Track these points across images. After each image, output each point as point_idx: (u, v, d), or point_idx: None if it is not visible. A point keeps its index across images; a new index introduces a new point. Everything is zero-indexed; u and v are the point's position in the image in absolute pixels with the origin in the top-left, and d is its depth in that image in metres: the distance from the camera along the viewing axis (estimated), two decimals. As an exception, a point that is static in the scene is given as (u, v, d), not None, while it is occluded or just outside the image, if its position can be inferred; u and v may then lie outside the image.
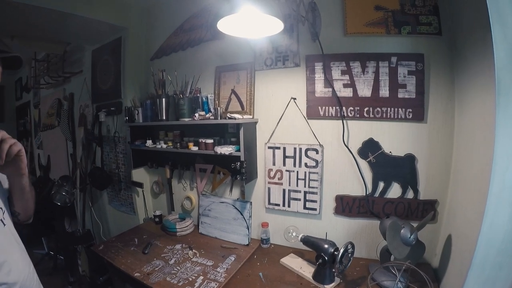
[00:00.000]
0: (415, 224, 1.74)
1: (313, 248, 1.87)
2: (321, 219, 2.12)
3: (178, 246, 2.18)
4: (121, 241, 2.30)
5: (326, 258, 1.76)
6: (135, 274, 1.86)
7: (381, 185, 1.97)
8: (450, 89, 1.77)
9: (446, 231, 1.86)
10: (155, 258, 2.06)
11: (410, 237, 1.68)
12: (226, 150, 2.02)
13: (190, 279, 1.82)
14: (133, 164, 2.63)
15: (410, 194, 1.94)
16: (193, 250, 2.12)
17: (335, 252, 1.74)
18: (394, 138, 1.91)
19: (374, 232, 1.95)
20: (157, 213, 2.63)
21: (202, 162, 2.37)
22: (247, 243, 2.22)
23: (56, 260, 3.48)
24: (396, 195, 1.96)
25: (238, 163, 2.02)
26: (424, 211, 1.95)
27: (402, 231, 1.70)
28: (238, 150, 2.02)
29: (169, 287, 1.75)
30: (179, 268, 1.92)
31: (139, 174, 2.75)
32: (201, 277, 1.84)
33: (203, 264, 1.98)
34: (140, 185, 2.68)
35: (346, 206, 2.03)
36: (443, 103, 1.80)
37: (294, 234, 1.99)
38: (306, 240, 1.92)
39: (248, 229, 2.21)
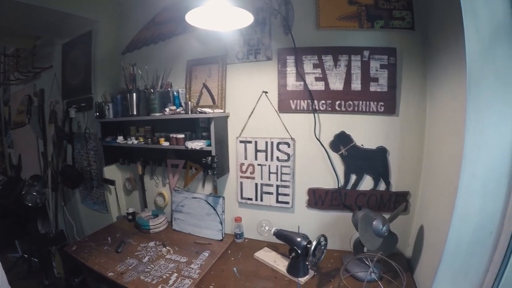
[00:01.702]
0: (387, 216, 1.76)
1: (286, 242, 1.86)
2: (294, 213, 2.12)
3: (151, 244, 2.14)
4: (94, 241, 2.25)
5: (299, 251, 1.76)
6: (109, 274, 1.82)
7: (353, 177, 1.97)
8: (422, 82, 1.79)
9: (418, 222, 1.89)
10: (128, 256, 2.01)
11: (382, 229, 1.69)
12: (196, 145, 1.99)
13: (164, 276, 1.79)
14: (105, 161, 2.57)
15: (382, 186, 1.96)
16: (167, 247, 2.08)
17: (308, 245, 1.74)
18: (366, 131, 1.92)
19: (347, 224, 1.96)
20: (130, 210, 2.58)
21: (174, 158, 2.33)
22: (221, 238, 2.20)
23: (30, 263, 3.36)
24: (368, 187, 1.98)
25: (209, 158, 1.99)
26: (396, 202, 1.97)
27: (374, 223, 1.71)
28: (209, 145, 1.99)
29: (143, 286, 1.71)
30: (153, 266, 1.89)
31: (111, 171, 2.68)
32: (175, 274, 1.81)
33: (177, 261, 1.96)
34: (112, 182, 2.62)
35: (318, 199, 2.03)
36: (415, 96, 1.82)
37: (267, 228, 1.98)
38: (279, 234, 1.91)
39: (222, 224, 2.19)
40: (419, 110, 1.81)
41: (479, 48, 1.19)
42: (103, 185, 2.72)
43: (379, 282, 1.73)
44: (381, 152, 1.92)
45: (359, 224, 1.72)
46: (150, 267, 1.88)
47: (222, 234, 2.21)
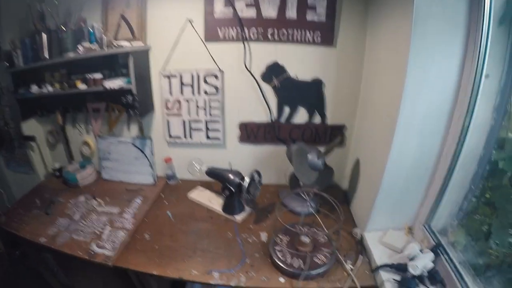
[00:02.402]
0: (323, 149, 1.72)
1: (219, 180, 1.77)
2: (226, 149, 2.03)
3: (81, 198, 1.97)
4: (23, 207, 2.03)
5: (233, 189, 1.68)
6: (41, 240, 1.64)
7: (287, 110, 1.90)
8: (363, 14, 1.69)
9: (354, 155, 1.89)
10: (59, 217, 1.83)
11: (317, 162, 1.65)
12: (115, 83, 1.80)
13: (97, 232, 1.67)
14: (22, 116, 2.29)
15: (317, 119, 1.91)
16: (98, 200, 1.93)
17: (241, 182, 1.66)
18: (301, 62, 1.82)
19: (282, 158, 1.90)
20: (57, 166, 2.35)
21: (94, 101, 2.11)
22: (153, 182, 2.08)
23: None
24: (303, 120, 1.92)
25: (130, 97, 1.81)
26: (332, 136, 1.94)
27: (309, 156, 1.66)
28: (129, 82, 1.81)
29: (78, 246, 1.58)
30: (85, 223, 1.74)
31: (31, 127, 2.40)
32: (109, 228, 1.70)
33: (109, 213, 1.82)
34: (32, 138, 2.36)
35: (251, 133, 1.94)
36: (354, 28, 1.72)
37: (198, 167, 1.87)
38: (210, 172, 1.81)
39: (152, 167, 2.05)
40: (358, 42, 1.73)
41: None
42: (24, 143, 2.45)
43: (316, 216, 1.71)
44: (317, 84, 1.84)
45: (294, 158, 1.65)
46: (82, 224, 1.73)
47: (154, 177, 2.08)
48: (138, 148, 2.04)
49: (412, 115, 1.25)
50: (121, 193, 2.01)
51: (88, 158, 2.29)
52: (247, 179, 1.60)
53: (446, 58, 1.19)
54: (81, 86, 1.91)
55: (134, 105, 1.82)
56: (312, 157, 1.66)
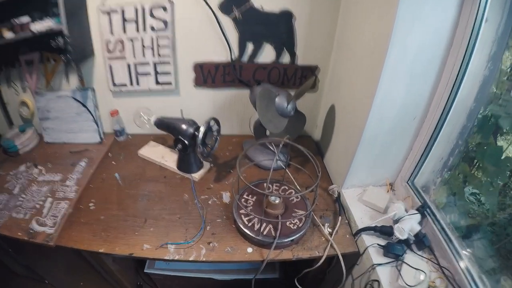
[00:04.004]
0: (292, 93, 1.45)
1: (170, 132, 1.49)
2: (179, 95, 1.72)
3: (22, 168, 1.66)
4: None
5: (186, 141, 1.40)
6: None
7: (250, 47, 1.58)
8: None
9: (328, 101, 1.65)
10: None
11: (287, 107, 1.40)
12: (43, 25, 1.44)
13: (38, 206, 1.40)
14: None
15: (286, 59, 1.62)
16: (39, 167, 1.63)
17: (196, 133, 1.37)
18: (267, -11, 1.47)
19: (246, 104, 1.64)
20: (-6, 134, 2.02)
21: (27, 52, 1.76)
22: (99, 140, 1.79)
23: None
24: (270, 59, 1.62)
25: (61, 39, 1.47)
26: (302, 78, 1.68)
27: (277, 100, 1.40)
28: (60, 22, 1.45)
29: (17, 226, 1.31)
30: (25, 196, 1.46)
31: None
32: (50, 199, 1.43)
33: (50, 181, 1.54)
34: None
35: (208, 75, 1.63)
36: None
37: (146, 118, 1.57)
38: (159, 123, 1.52)
39: (97, 123, 1.75)
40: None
41: None
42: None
43: (286, 170, 1.46)
44: (286, 17, 1.51)
45: (258, 102, 1.37)
46: (21, 199, 1.44)
47: (100, 134, 1.79)
48: (79, 102, 1.72)
49: (402, 55, 1.04)
50: (64, 157, 1.71)
51: (28, 120, 1.96)
52: (202, 129, 1.31)
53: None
54: (8, 34, 1.54)
55: (67, 49, 1.48)
56: (280, 100, 1.39)
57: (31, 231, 1.28)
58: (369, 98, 1.13)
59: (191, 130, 1.40)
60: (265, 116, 1.38)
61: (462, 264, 1.01)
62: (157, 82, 1.65)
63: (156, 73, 1.62)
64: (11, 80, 1.84)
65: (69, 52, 1.48)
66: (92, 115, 1.74)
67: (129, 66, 1.62)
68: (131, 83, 1.66)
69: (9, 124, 2.00)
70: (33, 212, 1.37)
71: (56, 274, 1.92)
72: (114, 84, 1.68)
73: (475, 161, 1.20)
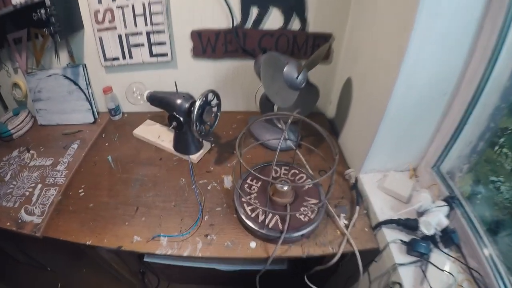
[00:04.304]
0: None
1: (163, 108, 1.33)
2: (177, 68, 1.53)
3: (15, 153, 1.55)
4: None
5: (181, 118, 1.22)
6: None
7: (255, 11, 1.37)
8: None
9: (343, 74, 1.44)
10: None
11: (297, 78, 1.19)
12: (23, -5, 1.30)
13: (27, 193, 1.28)
14: None
15: (296, 25, 1.40)
16: (31, 151, 1.51)
17: (192, 108, 1.19)
18: None
19: (251, 76, 1.44)
20: (-12, 119, 1.91)
21: (13, 30, 1.61)
22: (93, 120, 1.64)
23: None
24: (277, 25, 1.40)
25: (43, 11, 1.31)
26: (315, 47, 1.45)
27: (285, 69, 1.20)
28: (44, -9, 1.29)
29: (6, 215, 1.20)
30: (15, 183, 1.34)
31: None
32: (39, 186, 1.31)
33: (41, 166, 1.42)
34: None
35: (207, 44, 1.43)
36: None
37: (139, 93, 1.40)
38: (152, 99, 1.35)
39: (90, 101, 1.60)
40: None
41: None
42: None
43: (297, 152, 1.28)
44: (296, -25, 1.29)
45: (263, 72, 1.19)
46: (12, 186, 1.33)
47: (94, 114, 1.64)
48: (70, 80, 1.57)
49: (433, 18, 0.82)
50: (57, 139, 1.58)
51: (22, 102, 1.84)
52: (198, 103, 1.14)
53: None
54: (-10, 12, 1.40)
55: (50, 21, 1.32)
56: (289, 70, 1.19)
57: (19, 220, 1.18)
58: (394, 68, 0.92)
59: (186, 105, 1.22)
60: (271, 88, 1.19)
61: (493, 265, 0.85)
62: (152, 54, 1.47)
63: (150, 44, 1.44)
64: (2, 62, 1.72)
65: (52, 24, 1.33)
66: (84, 93, 1.59)
67: (120, 37, 1.44)
68: (124, 57, 1.49)
69: (4, 108, 1.89)
70: (22, 200, 1.26)
71: (58, 262, 1.86)
72: (106, 59, 1.51)
73: (497, 147, 1.01)
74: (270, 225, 1.01)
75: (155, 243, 1.04)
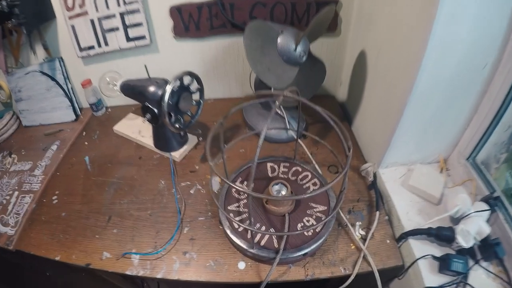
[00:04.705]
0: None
1: (136, 98, 1.12)
2: (158, 51, 1.32)
3: None
4: None
5: (155, 109, 1.01)
6: None
7: (243, -25, 1.14)
8: None
9: (355, 47, 1.19)
10: None
11: (295, 49, 0.95)
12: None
13: (4, 201, 1.17)
14: None
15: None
16: (12, 155, 1.37)
17: (162, 95, 0.98)
18: None
19: (245, 54, 1.19)
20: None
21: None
22: (75, 117, 1.47)
23: None
24: (271, -8, 1.15)
25: (4, 2, 1.15)
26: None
27: (279, 39, 0.97)
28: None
29: None
30: None
31: None
32: (16, 193, 1.18)
33: (20, 172, 1.28)
34: None
35: (189, 21, 1.20)
36: None
37: (114, 83, 1.20)
38: (125, 88, 1.15)
39: (69, 97, 1.43)
40: None
41: None
42: None
43: (301, 143, 1.05)
44: None
45: (247, 43, 0.96)
46: None
47: (76, 111, 1.47)
48: (47, 75, 1.41)
49: None
50: (38, 141, 1.44)
51: (7, 104, 1.71)
52: (168, 88, 0.92)
53: None
54: None
55: (14, 13, 1.16)
56: (284, 40, 0.96)
57: (-4, 232, 1.05)
58: (424, 30, 0.68)
59: (160, 92, 1.01)
60: (261, 63, 0.96)
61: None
62: (129, 38, 1.27)
63: (126, 26, 1.24)
64: (-17, 64, 1.59)
65: (16, 16, 1.16)
66: (62, 88, 1.42)
67: (92, 22, 1.25)
68: (99, 44, 1.30)
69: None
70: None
71: (57, 266, 1.76)
72: (81, 48, 1.32)
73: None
74: (262, 243, 0.79)
75: (125, 261, 0.85)
